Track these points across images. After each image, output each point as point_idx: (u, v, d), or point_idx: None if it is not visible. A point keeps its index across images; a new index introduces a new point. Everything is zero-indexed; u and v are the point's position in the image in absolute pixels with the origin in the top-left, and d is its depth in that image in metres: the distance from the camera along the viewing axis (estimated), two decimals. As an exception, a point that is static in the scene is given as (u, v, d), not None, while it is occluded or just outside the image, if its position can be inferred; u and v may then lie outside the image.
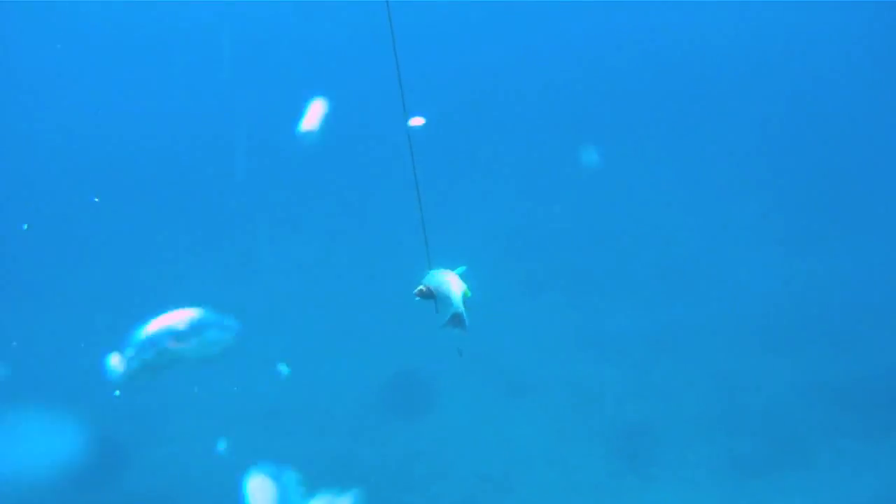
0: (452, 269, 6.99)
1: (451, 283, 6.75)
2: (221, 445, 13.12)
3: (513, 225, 17.09)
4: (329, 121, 18.90)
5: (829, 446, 12.07)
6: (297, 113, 19.48)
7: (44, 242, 17.08)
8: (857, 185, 17.35)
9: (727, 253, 16.22)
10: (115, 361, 4.80)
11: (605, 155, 18.55)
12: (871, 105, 18.88)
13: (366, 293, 14.78)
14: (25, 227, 16.10)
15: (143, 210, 18.04)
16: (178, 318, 4.98)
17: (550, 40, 21.97)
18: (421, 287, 6.62)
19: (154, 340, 4.68)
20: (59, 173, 18.70)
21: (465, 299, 6.85)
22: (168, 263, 16.57)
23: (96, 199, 17.16)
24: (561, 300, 15.34)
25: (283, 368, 12.83)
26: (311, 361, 14.40)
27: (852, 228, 16.35)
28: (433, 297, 6.68)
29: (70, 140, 19.42)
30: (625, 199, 17.62)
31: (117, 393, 12.92)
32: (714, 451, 12.40)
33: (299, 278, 15.80)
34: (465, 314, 6.58)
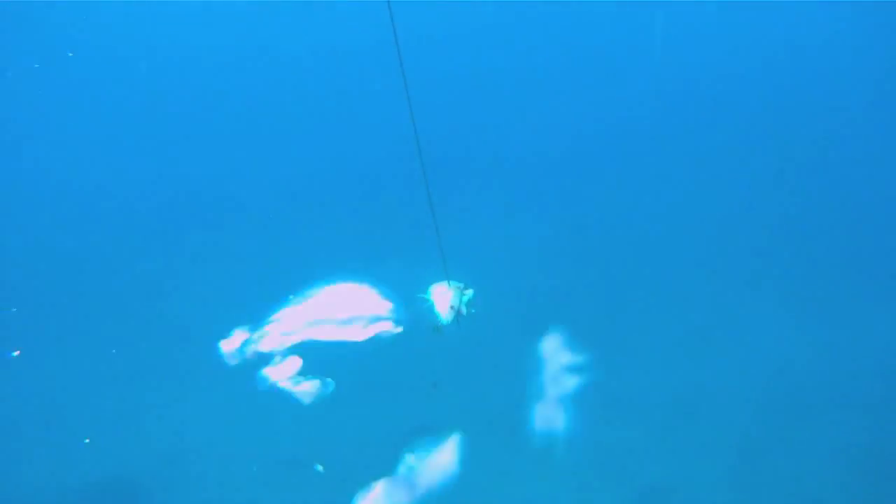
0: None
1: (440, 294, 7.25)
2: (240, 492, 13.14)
3: (535, 282, 17.06)
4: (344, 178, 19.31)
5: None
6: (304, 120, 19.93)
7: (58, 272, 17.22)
8: (881, 250, 17.26)
9: (751, 317, 16.09)
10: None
11: (629, 219, 18.52)
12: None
13: (386, 346, 14.84)
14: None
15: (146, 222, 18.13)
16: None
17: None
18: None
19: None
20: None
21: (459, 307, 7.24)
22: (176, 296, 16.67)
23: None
24: (584, 359, 15.23)
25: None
26: (331, 410, 14.38)
27: (876, 293, 16.21)
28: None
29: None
30: (650, 261, 17.50)
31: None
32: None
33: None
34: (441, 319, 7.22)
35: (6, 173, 18.97)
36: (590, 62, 22.11)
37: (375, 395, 14.52)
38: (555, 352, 15.45)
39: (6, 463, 13.58)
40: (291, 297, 15.99)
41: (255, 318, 15.67)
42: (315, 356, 15.14)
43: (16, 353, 14.63)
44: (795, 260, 17.27)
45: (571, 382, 14.84)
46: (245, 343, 15.40)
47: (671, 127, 20.39)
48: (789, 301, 16.29)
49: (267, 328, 15.54)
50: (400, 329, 14.96)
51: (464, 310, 7.53)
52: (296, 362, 14.98)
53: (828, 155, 19.53)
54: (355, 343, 15.21)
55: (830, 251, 17.37)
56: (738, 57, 21.67)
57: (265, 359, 15.07)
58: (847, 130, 19.78)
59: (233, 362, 15.12)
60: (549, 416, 14.20)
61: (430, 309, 7.30)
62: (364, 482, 13.22)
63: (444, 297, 7.48)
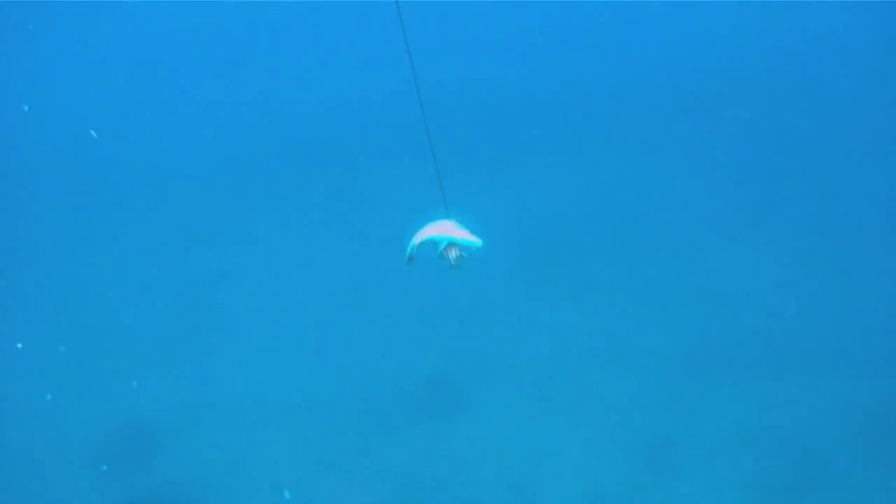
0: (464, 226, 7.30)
1: (424, 229, 7.22)
2: (252, 439, 13.52)
3: (545, 234, 17.10)
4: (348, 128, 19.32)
5: (855, 471, 12.07)
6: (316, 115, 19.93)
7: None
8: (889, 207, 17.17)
9: (761, 272, 16.06)
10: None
11: (641, 171, 18.45)
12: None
13: (404, 295, 15.01)
14: None
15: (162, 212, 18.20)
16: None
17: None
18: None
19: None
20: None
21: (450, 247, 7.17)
22: (203, 261, 16.84)
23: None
24: (593, 311, 15.35)
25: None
26: (346, 359, 14.65)
27: (884, 251, 16.15)
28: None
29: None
30: (661, 216, 17.43)
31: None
32: (740, 470, 12.48)
33: (339, 276, 16.03)
34: (407, 253, 7.15)
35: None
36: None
37: (388, 344, 14.81)
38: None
39: (28, 411, 13.99)
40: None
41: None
42: (327, 308, 15.49)
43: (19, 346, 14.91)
44: (809, 218, 17.14)
45: (579, 332, 14.98)
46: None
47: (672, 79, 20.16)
48: (802, 258, 16.23)
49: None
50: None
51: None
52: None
53: (822, 106, 19.22)
54: (370, 295, 15.47)
55: (844, 210, 17.23)
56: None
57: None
58: (842, 84, 19.50)
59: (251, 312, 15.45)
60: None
61: (441, 248, 7.22)
62: (377, 430, 13.61)
63: (457, 230, 7.18)
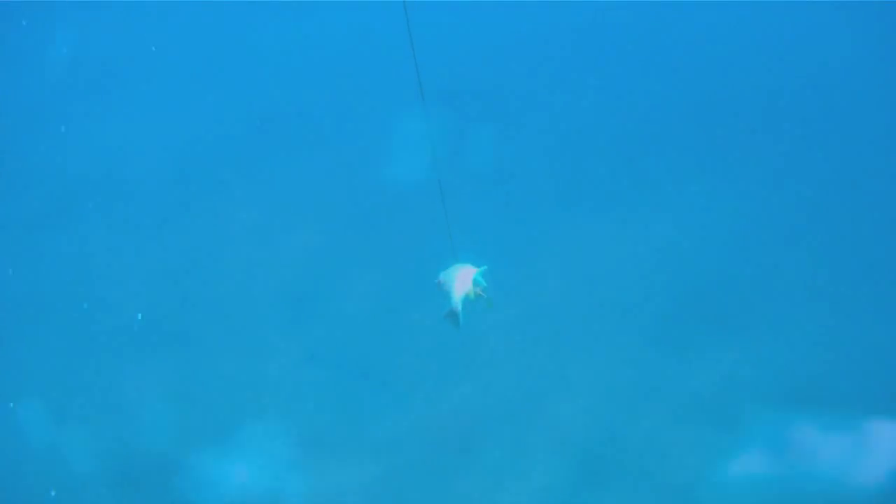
0: (476, 265, 7.33)
1: (457, 280, 7.17)
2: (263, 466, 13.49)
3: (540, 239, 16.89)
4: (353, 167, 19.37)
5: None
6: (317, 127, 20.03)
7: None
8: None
9: (786, 313, 15.60)
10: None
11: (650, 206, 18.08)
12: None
13: (417, 329, 15.01)
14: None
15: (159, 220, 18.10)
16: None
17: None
18: (439, 279, 7.14)
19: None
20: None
21: (474, 297, 7.18)
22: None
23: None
24: (608, 351, 15.09)
25: None
26: (356, 395, 14.58)
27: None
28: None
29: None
30: (676, 249, 17.08)
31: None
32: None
33: (352, 307, 16.09)
34: (460, 313, 7.05)
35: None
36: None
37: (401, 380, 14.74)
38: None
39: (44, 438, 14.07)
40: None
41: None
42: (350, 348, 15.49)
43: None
44: (836, 255, 16.56)
45: (594, 373, 14.70)
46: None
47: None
48: (832, 299, 15.74)
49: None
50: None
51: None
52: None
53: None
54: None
55: (870, 248, 16.65)
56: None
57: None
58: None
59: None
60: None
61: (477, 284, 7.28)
62: (380, 463, 13.47)
63: (472, 268, 7.31)
